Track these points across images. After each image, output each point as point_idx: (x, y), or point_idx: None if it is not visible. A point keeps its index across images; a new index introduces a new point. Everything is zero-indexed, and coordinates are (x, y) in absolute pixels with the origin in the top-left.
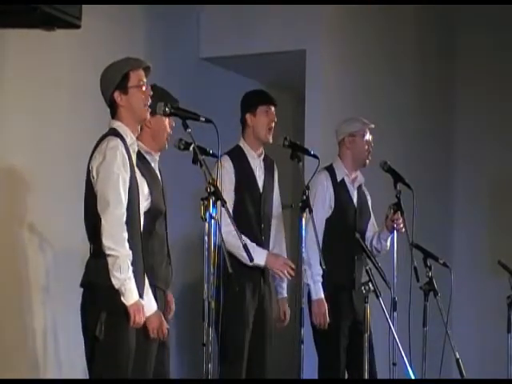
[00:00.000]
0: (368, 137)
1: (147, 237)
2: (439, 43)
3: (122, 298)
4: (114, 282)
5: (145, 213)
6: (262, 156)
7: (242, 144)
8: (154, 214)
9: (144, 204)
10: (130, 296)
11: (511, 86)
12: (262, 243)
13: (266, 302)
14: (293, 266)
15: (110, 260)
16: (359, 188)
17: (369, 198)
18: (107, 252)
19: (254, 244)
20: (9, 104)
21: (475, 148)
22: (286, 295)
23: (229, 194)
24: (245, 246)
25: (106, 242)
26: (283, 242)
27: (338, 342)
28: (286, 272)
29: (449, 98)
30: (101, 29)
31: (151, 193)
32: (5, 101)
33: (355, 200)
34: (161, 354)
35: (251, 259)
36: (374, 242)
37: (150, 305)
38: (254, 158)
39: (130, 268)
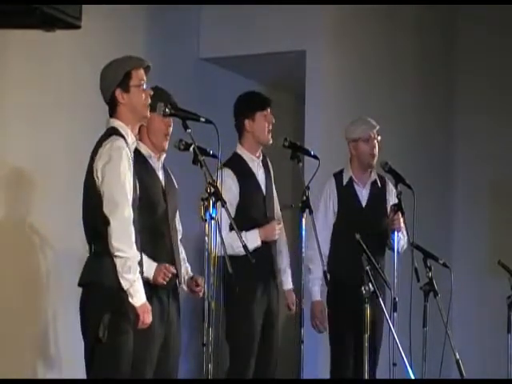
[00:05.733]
0: (373, 139)
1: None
2: (439, 43)
3: (131, 299)
4: (124, 283)
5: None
6: (261, 157)
7: (240, 150)
8: (148, 210)
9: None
10: (139, 297)
11: (511, 85)
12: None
13: (274, 302)
14: (280, 222)
15: (118, 261)
16: (374, 184)
17: (389, 190)
18: (116, 253)
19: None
20: (8, 104)
21: (475, 148)
22: (291, 286)
23: (230, 209)
24: (245, 247)
25: (116, 243)
26: (285, 243)
27: (343, 342)
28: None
29: (449, 97)
30: (101, 29)
31: (143, 189)
32: (5, 101)
33: (364, 199)
34: (167, 362)
35: (252, 259)
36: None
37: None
38: (254, 161)
39: (138, 269)
